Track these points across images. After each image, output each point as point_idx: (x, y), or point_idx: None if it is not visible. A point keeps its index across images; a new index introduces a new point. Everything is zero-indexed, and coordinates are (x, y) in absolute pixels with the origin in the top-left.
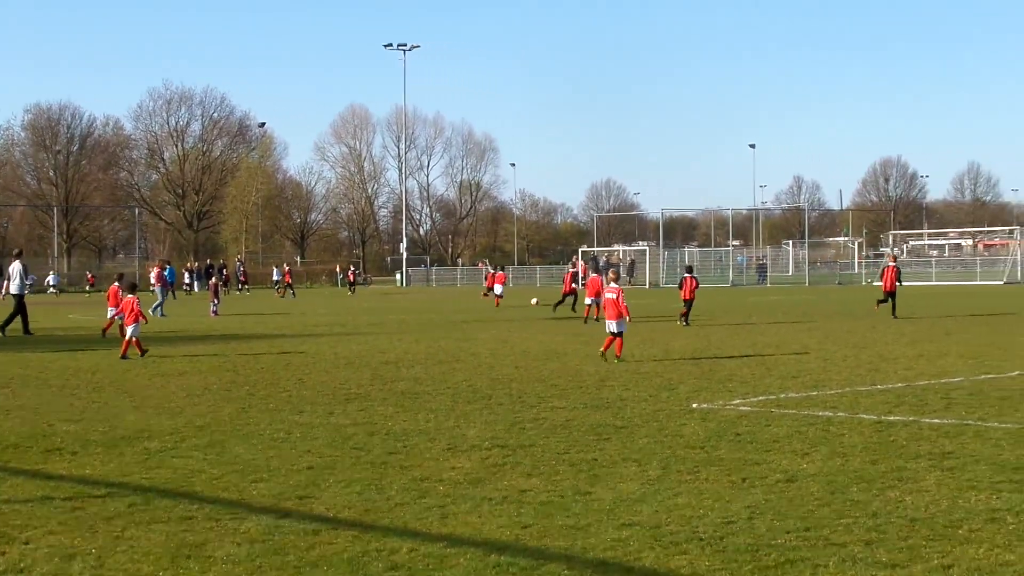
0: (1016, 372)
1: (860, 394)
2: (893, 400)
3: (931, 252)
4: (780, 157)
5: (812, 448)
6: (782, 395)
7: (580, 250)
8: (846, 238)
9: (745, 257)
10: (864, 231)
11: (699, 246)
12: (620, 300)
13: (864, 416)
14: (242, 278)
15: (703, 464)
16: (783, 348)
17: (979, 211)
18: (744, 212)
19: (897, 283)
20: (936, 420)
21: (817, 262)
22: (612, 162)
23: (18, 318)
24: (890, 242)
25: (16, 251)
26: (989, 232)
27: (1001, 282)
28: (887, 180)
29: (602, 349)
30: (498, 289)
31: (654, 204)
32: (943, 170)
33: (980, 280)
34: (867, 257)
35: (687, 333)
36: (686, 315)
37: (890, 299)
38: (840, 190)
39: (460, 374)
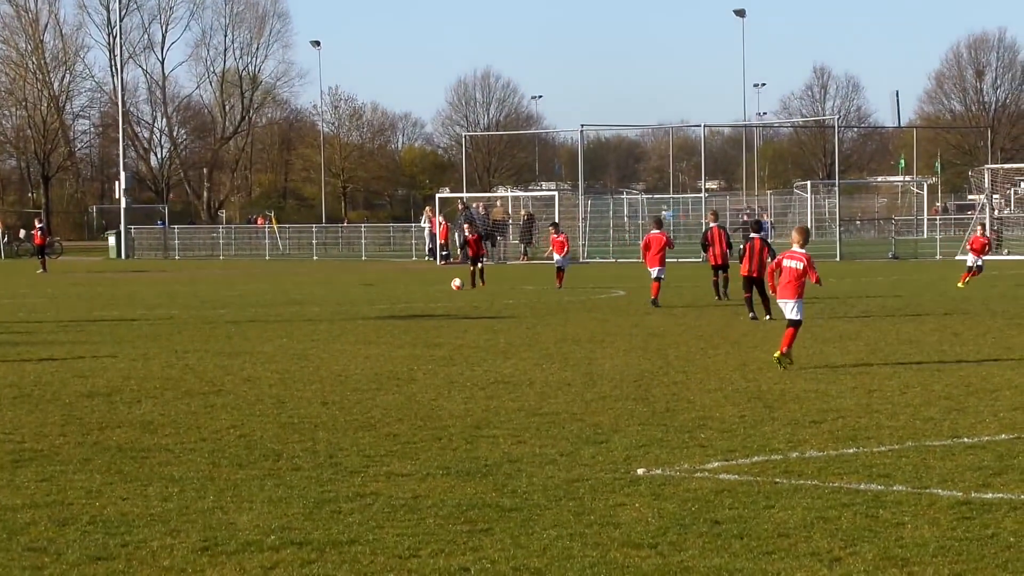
0: None
1: (932, 452)
2: (992, 464)
3: None
4: (790, 33)
5: (849, 549)
6: (793, 454)
7: (437, 196)
8: (907, 178)
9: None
10: (939, 165)
11: (646, 191)
12: (811, 268)
13: (939, 492)
14: None
15: None
16: (795, 370)
17: None
18: (726, 131)
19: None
20: None
21: (856, 218)
22: (493, 42)
23: None
24: (986, 183)
25: None
26: None
27: None
28: (980, 73)
29: (781, 350)
30: (558, 259)
31: (569, 118)
32: None
33: None
34: (944, 211)
35: (628, 344)
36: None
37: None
38: (896, 92)
39: (225, 415)
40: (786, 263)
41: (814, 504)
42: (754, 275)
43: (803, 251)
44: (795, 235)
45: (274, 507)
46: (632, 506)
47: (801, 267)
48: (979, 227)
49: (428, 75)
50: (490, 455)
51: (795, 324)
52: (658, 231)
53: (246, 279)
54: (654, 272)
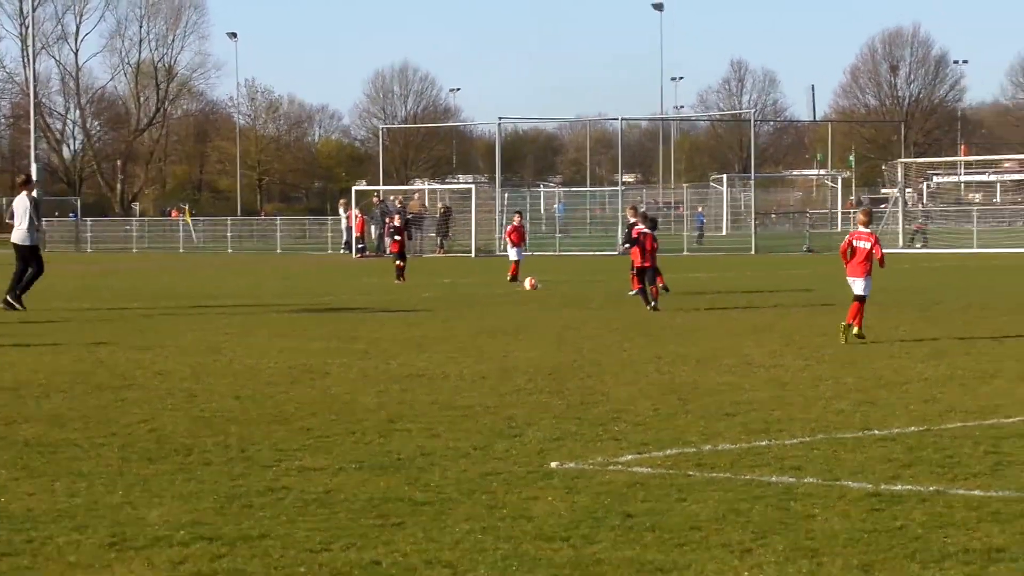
0: None
1: (843, 445)
2: (901, 456)
3: (970, 195)
4: (708, 27)
5: (760, 541)
6: (706, 446)
7: (354, 189)
8: (822, 172)
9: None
10: (853, 158)
11: (565, 183)
12: (878, 250)
13: (850, 484)
14: None
15: (569, 573)
16: (709, 362)
17: None
18: (644, 125)
19: None
20: (977, 492)
21: (771, 212)
22: (411, 35)
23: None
24: (899, 177)
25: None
26: None
27: None
28: (894, 68)
29: (846, 321)
30: (513, 254)
31: (487, 111)
32: (994, 53)
33: None
34: (858, 204)
35: (543, 337)
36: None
37: None
38: (812, 86)
39: (136, 409)
40: (856, 243)
41: (726, 496)
42: (647, 266)
43: (869, 231)
44: (861, 216)
45: (184, 502)
46: (545, 499)
47: (869, 246)
48: None
49: (346, 67)
50: (403, 449)
51: (862, 299)
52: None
53: (160, 272)
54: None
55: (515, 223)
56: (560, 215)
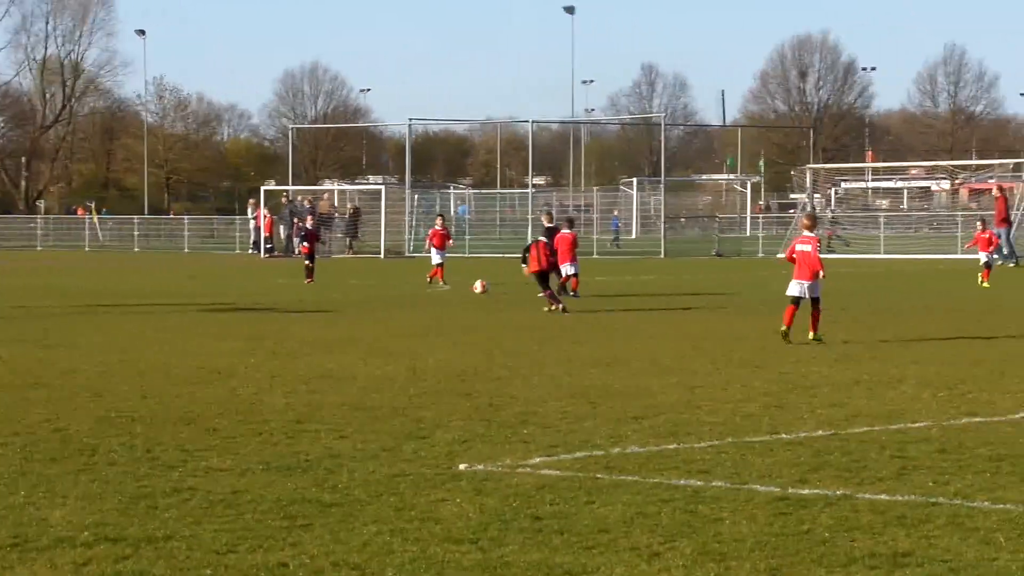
0: (1022, 414)
1: (751, 449)
2: (809, 460)
3: (878, 202)
4: (619, 31)
5: (669, 544)
6: (615, 450)
7: (263, 189)
8: (731, 176)
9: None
10: (763, 164)
11: (475, 185)
12: (815, 253)
13: (758, 488)
14: None
15: (476, 575)
16: (618, 365)
17: (962, 131)
18: (555, 127)
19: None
20: (883, 496)
21: (681, 216)
22: (322, 34)
23: None
24: (808, 182)
25: None
26: (980, 168)
27: (998, 256)
28: (803, 74)
29: (784, 325)
30: (436, 257)
31: (397, 111)
32: (901, 60)
33: (962, 253)
34: (767, 209)
35: (452, 339)
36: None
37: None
38: (723, 91)
39: (41, 409)
40: (799, 247)
41: (634, 500)
42: (546, 269)
43: (813, 235)
44: (804, 220)
45: (88, 502)
46: (453, 501)
47: (810, 249)
48: (979, 223)
49: (255, 67)
50: (311, 450)
51: (817, 302)
52: (568, 231)
53: (65, 270)
54: (570, 269)
55: (437, 226)
56: (462, 216)
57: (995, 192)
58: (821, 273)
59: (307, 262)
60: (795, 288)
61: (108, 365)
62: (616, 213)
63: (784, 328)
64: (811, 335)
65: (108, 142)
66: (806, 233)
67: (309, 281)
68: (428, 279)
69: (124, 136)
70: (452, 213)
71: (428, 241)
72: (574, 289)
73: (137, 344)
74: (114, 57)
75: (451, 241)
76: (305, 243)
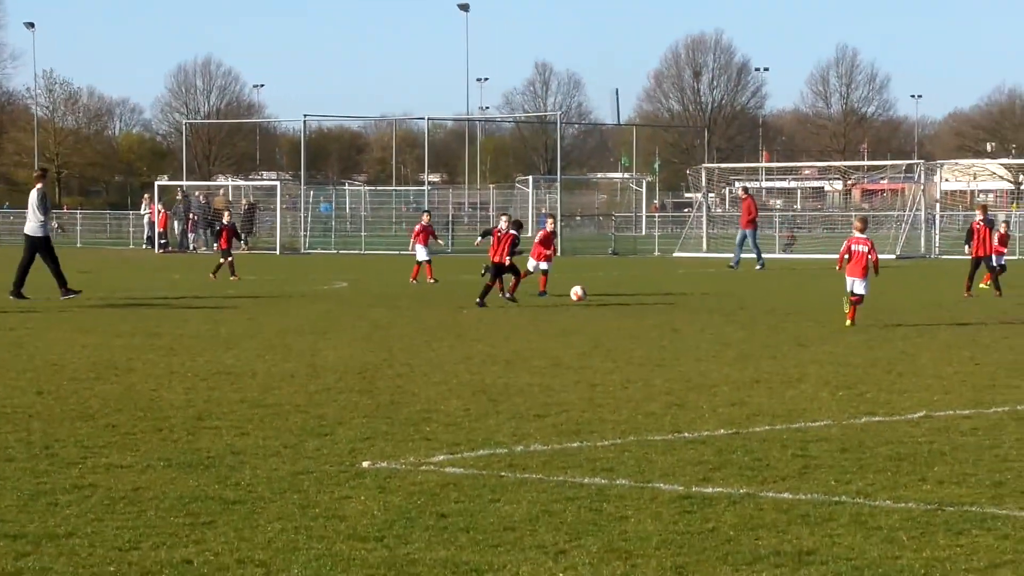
0: (921, 413)
1: (654, 447)
2: (711, 459)
3: (772, 201)
4: (513, 28)
5: (574, 542)
6: (518, 447)
7: (156, 184)
8: (626, 175)
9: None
10: (657, 164)
11: (370, 182)
12: (874, 254)
13: (662, 486)
14: None
15: (384, 573)
16: (518, 363)
17: (854, 132)
18: (449, 125)
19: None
20: (786, 495)
21: (577, 214)
22: (214, 28)
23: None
24: (703, 182)
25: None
26: (872, 169)
27: (892, 256)
28: (697, 73)
29: (848, 319)
30: (420, 254)
31: (291, 107)
32: (794, 61)
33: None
34: (662, 208)
35: (352, 336)
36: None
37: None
38: (616, 90)
39: None
40: (855, 247)
41: (539, 498)
42: (503, 264)
43: (865, 236)
44: (857, 223)
45: None
46: (358, 499)
47: (866, 250)
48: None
49: (147, 60)
50: (213, 447)
51: (861, 298)
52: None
53: None
54: (542, 265)
55: (423, 223)
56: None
57: (740, 193)
58: (875, 270)
59: (228, 259)
60: (852, 284)
61: (1, 361)
62: (543, 210)
63: (849, 323)
64: (848, 323)
65: None
66: (858, 234)
67: (235, 278)
68: (412, 279)
69: (13, 130)
70: (347, 210)
71: (412, 238)
72: (542, 290)
73: (30, 339)
74: (3, 50)
75: (441, 242)
76: (222, 239)
